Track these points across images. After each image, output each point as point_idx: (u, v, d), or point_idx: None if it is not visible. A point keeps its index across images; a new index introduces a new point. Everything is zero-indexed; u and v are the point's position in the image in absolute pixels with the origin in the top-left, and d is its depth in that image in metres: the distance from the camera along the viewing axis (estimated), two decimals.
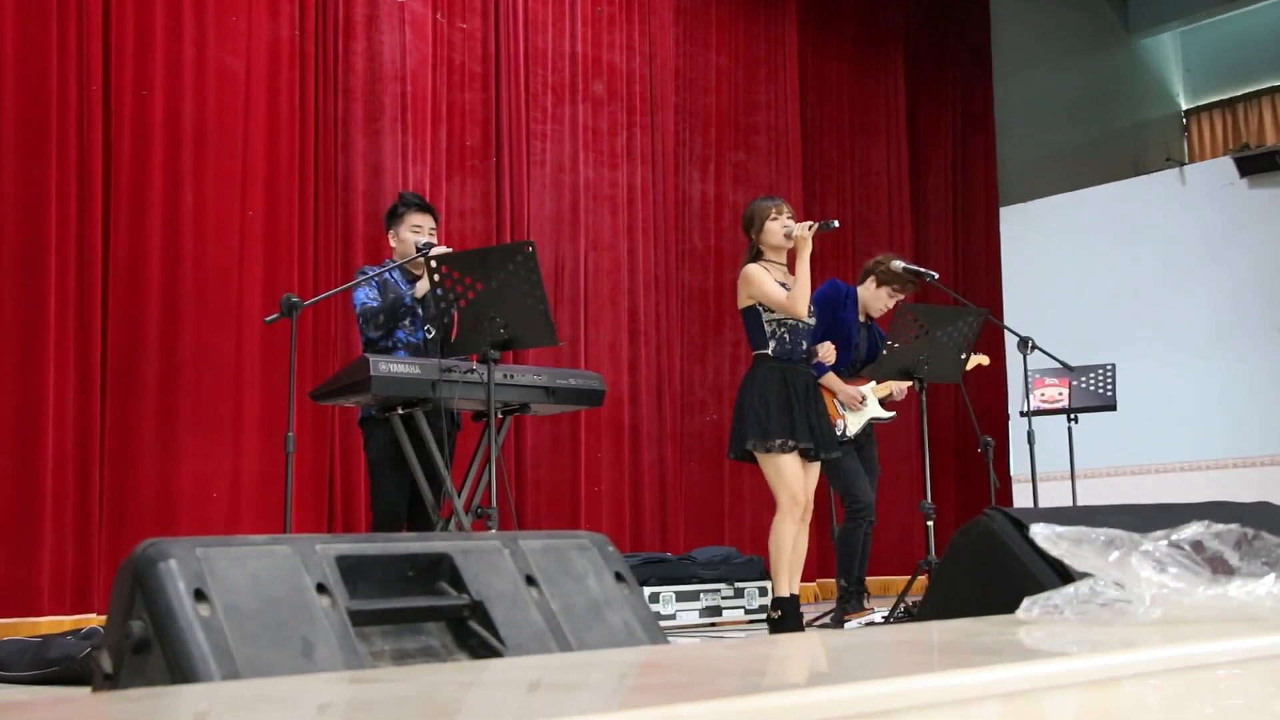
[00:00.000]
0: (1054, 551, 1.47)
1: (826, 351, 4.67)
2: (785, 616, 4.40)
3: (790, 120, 7.88)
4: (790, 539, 4.36)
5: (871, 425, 5.14)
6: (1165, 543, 1.42)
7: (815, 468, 4.47)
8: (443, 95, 6.16)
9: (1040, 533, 1.47)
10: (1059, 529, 1.48)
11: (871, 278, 5.19)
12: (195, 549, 1.30)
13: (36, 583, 4.55)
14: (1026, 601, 1.49)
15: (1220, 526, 1.49)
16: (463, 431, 4.50)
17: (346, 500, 5.55)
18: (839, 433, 4.97)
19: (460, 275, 3.82)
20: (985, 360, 5.42)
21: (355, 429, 4.71)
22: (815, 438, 4.37)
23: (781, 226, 4.46)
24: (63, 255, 4.75)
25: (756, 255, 4.51)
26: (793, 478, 4.34)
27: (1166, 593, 1.40)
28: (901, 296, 5.17)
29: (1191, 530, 1.48)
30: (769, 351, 4.43)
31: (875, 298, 5.16)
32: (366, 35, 5.88)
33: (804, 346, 4.48)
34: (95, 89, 4.89)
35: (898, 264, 5.12)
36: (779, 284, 4.42)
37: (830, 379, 4.97)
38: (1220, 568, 1.46)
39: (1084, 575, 1.50)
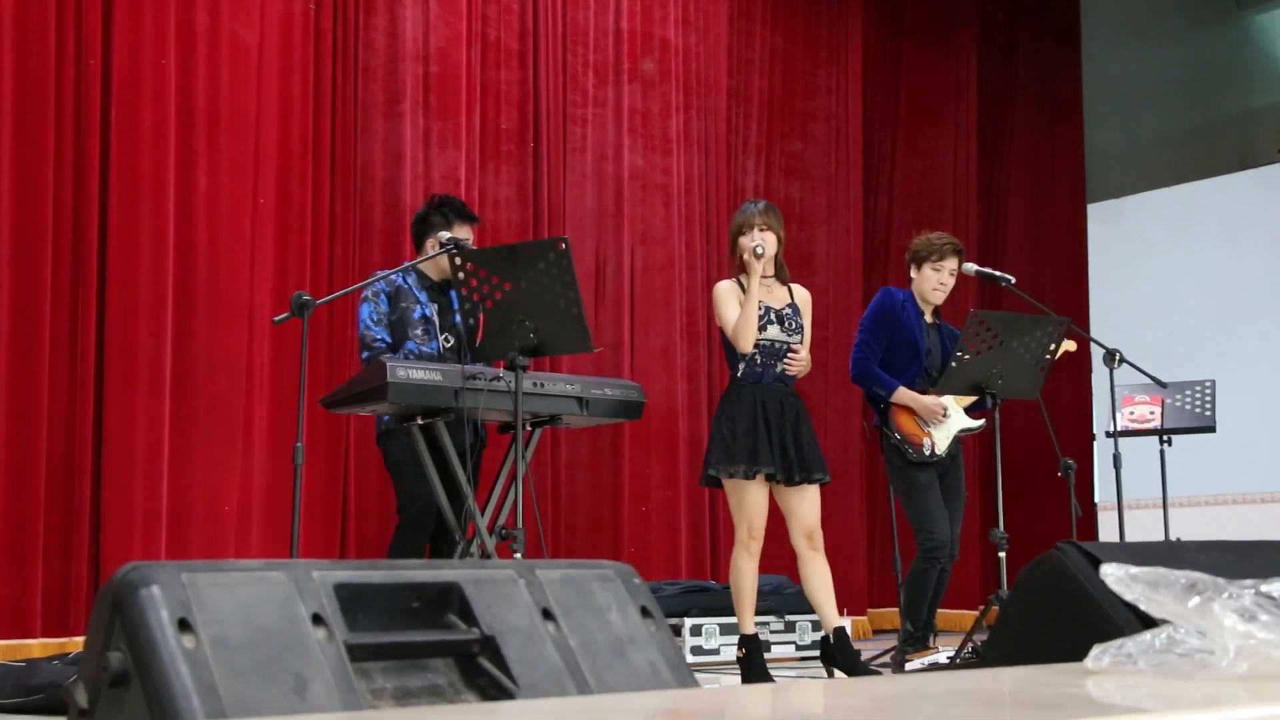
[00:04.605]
0: (1127, 595, 1.45)
1: (793, 361, 4.46)
2: (750, 654, 4.40)
3: (852, 107, 7.84)
4: (747, 574, 4.37)
5: (959, 444, 5.07)
6: (1253, 592, 1.40)
7: (810, 493, 4.38)
8: (477, 74, 6.19)
9: (1111, 574, 1.45)
10: (1134, 570, 1.46)
11: (911, 266, 5.16)
12: (181, 574, 1.31)
13: (29, 602, 4.62)
14: (1096, 649, 1.47)
15: None
16: (488, 448, 4.53)
17: (361, 518, 5.58)
18: (926, 452, 4.93)
19: (487, 274, 3.84)
20: (1073, 346, 5.33)
21: (372, 436, 4.73)
22: (787, 461, 4.31)
23: (750, 242, 4.40)
24: (59, 245, 4.82)
25: (741, 268, 4.48)
26: (753, 509, 4.33)
27: (1254, 644, 1.38)
28: (950, 265, 5.08)
29: None
30: (739, 374, 4.44)
31: (924, 281, 5.09)
32: (389, 10, 5.93)
33: (778, 369, 4.43)
34: (94, 62, 4.94)
35: (926, 238, 5.12)
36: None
37: (903, 394, 4.92)
38: None
39: (1165, 621, 1.48)
